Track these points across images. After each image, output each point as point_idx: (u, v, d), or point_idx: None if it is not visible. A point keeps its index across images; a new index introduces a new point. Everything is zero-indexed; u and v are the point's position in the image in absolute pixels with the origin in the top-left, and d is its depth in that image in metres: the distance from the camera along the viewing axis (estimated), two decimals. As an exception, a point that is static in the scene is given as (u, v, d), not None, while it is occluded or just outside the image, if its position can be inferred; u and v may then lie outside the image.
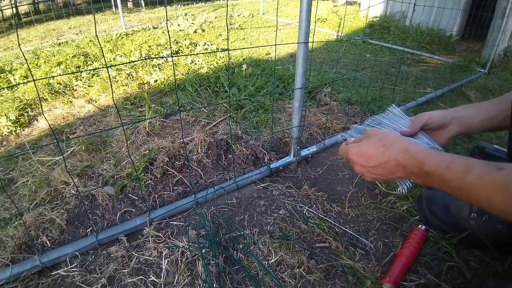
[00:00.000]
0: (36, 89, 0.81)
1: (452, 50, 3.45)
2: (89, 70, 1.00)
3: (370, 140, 0.70)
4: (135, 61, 1.17)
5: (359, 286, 0.86)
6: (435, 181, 0.59)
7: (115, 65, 0.94)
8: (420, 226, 0.99)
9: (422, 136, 0.80)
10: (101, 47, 0.75)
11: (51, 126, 1.79)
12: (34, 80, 0.80)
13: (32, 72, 2.49)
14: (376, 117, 0.85)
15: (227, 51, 2.63)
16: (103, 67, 0.81)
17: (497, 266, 0.90)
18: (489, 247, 0.89)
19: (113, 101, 0.76)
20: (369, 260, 0.94)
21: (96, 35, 0.77)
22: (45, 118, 0.78)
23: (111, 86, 0.85)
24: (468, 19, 3.67)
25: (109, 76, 0.79)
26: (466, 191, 0.54)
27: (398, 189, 0.75)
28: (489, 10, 3.20)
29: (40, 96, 2.08)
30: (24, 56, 0.75)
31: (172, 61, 0.96)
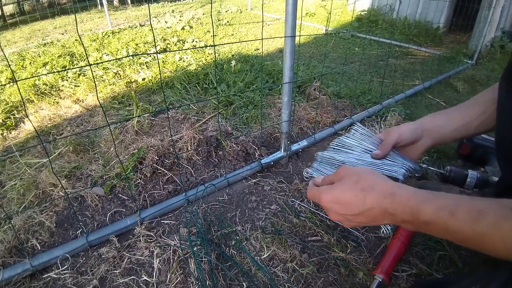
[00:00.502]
0: (19, 90, 0.79)
1: (439, 42, 3.48)
2: (75, 68, 0.99)
3: (345, 182, 0.61)
4: (120, 58, 1.16)
5: (352, 278, 0.87)
6: (437, 230, 0.51)
7: (100, 62, 0.93)
8: (410, 216, 1.00)
9: (394, 155, 0.76)
10: (83, 46, 0.74)
11: (37, 128, 1.76)
12: (16, 81, 0.78)
13: (17, 74, 2.45)
14: (342, 138, 0.79)
15: (216, 44, 2.61)
16: (86, 65, 0.80)
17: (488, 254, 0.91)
18: None
19: (98, 100, 0.75)
20: (361, 252, 0.94)
21: (79, 35, 0.75)
22: (30, 120, 0.76)
23: (95, 85, 0.83)
24: (455, 11, 3.70)
25: (93, 76, 0.77)
26: (478, 242, 0.47)
27: (382, 231, 0.69)
28: (475, 1, 3.23)
29: (26, 98, 2.04)
30: (6, 58, 0.73)
31: (157, 59, 0.95)
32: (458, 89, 2.18)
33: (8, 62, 0.77)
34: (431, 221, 0.50)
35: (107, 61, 0.93)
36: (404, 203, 0.53)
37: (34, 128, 0.79)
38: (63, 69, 2.56)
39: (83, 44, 0.76)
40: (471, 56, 2.86)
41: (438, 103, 1.98)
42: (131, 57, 2.68)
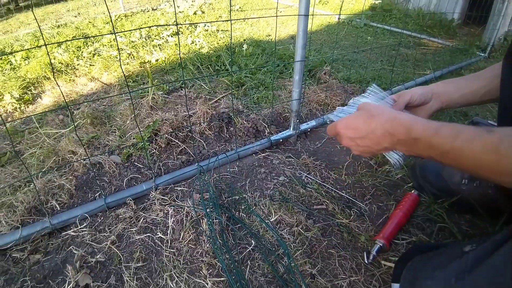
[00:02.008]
0: (47, 51, 0.84)
1: (453, 34, 3.45)
2: (96, 36, 1.03)
3: (359, 112, 0.71)
4: (148, 26, 1.20)
5: (354, 242, 0.92)
6: (423, 147, 0.58)
7: (123, 31, 0.97)
8: (413, 191, 1.04)
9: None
10: (109, 14, 0.78)
11: (54, 103, 1.83)
12: (46, 45, 0.83)
13: (32, 53, 2.51)
14: (358, 98, 0.84)
15: (228, 29, 2.65)
16: (110, 34, 0.84)
17: (487, 228, 0.94)
18: (480, 211, 0.92)
19: (120, 66, 0.79)
20: (363, 221, 0.99)
21: (108, 11, 0.79)
22: (55, 81, 0.81)
23: (119, 51, 0.88)
24: (469, 3, 3.66)
25: (117, 41, 0.82)
26: (455, 155, 0.54)
27: (393, 164, 0.74)
28: (490, -7, 3.19)
29: (43, 75, 2.11)
30: (37, 22, 0.77)
31: (177, 29, 0.99)
32: (469, 79, 2.18)
33: (37, 22, 0.82)
34: (419, 137, 0.58)
35: (129, 30, 0.97)
36: (401, 123, 0.62)
37: (60, 90, 0.84)
38: (78, 49, 2.62)
39: (109, 12, 0.80)
40: (484, 49, 2.85)
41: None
42: (144, 39, 2.74)
